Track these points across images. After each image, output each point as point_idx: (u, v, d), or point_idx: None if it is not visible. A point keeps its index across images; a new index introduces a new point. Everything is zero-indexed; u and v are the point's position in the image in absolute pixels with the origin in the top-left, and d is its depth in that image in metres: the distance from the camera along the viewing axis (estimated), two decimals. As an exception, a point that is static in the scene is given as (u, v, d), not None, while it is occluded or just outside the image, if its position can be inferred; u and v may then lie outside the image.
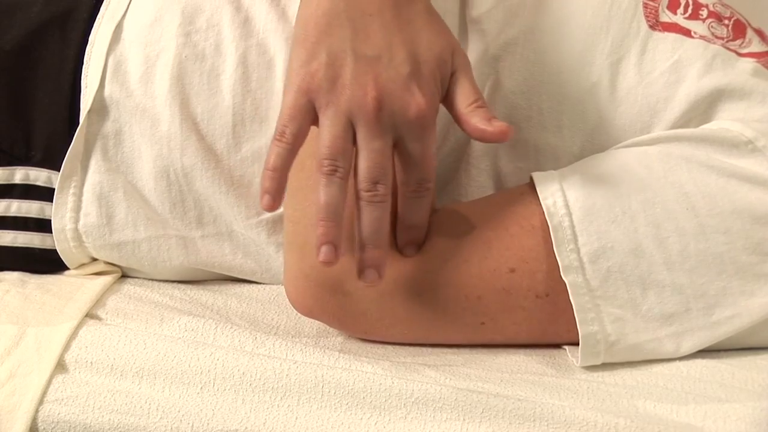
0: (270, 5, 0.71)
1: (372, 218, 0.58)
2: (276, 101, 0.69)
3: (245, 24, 0.71)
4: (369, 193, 0.57)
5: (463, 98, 0.59)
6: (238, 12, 0.71)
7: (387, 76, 0.56)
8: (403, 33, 0.58)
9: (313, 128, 0.58)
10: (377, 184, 0.57)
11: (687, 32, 0.68)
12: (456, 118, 0.59)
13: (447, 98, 0.60)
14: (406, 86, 0.56)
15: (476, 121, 0.58)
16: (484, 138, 0.59)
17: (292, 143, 0.58)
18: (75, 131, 0.70)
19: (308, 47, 0.57)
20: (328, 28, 0.57)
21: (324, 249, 0.57)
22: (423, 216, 0.62)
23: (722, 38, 0.68)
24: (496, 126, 0.58)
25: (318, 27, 0.57)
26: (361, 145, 0.57)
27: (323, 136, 0.57)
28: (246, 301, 0.72)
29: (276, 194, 0.58)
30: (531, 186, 0.63)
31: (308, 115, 0.57)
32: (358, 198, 0.58)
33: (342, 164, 0.57)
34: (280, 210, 0.69)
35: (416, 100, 0.57)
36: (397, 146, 0.58)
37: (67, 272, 0.75)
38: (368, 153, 0.57)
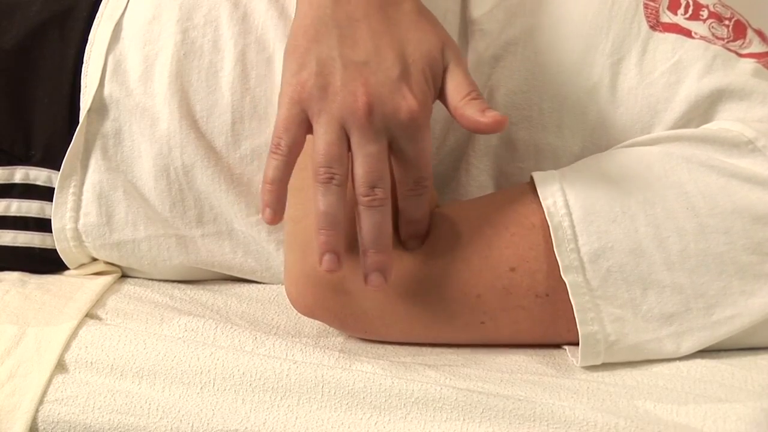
0: (269, 1, 0.71)
1: (372, 222, 0.58)
2: (275, 99, 0.69)
3: (244, 20, 0.71)
4: (367, 198, 0.57)
5: (456, 92, 0.59)
6: (237, 8, 0.71)
7: (376, 80, 0.56)
8: (390, 35, 0.58)
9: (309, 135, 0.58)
10: (375, 189, 0.57)
11: (687, 33, 0.68)
12: (451, 112, 0.59)
13: (441, 93, 0.60)
14: (396, 89, 0.56)
15: (470, 113, 0.58)
16: (479, 129, 0.59)
17: (287, 155, 0.58)
18: (75, 130, 0.70)
19: (298, 57, 0.58)
20: (316, 36, 0.57)
21: (327, 258, 0.58)
22: (423, 211, 0.62)
23: (723, 39, 0.68)
24: (490, 116, 0.58)
25: (306, 36, 0.58)
26: (355, 150, 0.57)
27: (318, 144, 0.57)
28: (246, 301, 0.72)
29: (277, 207, 0.59)
30: (531, 185, 0.63)
31: (302, 125, 0.58)
32: (357, 203, 0.58)
33: (338, 171, 0.57)
34: (281, 208, 0.69)
35: (407, 102, 0.56)
36: (392, 148, 0.58)
37: (67, 272, 0.75)
38: (363, 158, 0.57)
